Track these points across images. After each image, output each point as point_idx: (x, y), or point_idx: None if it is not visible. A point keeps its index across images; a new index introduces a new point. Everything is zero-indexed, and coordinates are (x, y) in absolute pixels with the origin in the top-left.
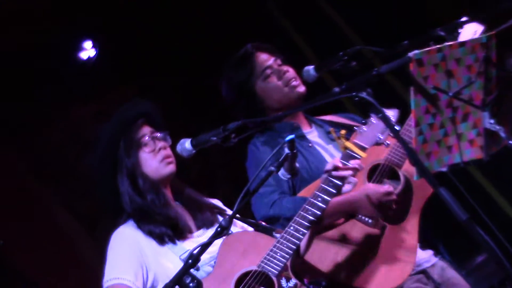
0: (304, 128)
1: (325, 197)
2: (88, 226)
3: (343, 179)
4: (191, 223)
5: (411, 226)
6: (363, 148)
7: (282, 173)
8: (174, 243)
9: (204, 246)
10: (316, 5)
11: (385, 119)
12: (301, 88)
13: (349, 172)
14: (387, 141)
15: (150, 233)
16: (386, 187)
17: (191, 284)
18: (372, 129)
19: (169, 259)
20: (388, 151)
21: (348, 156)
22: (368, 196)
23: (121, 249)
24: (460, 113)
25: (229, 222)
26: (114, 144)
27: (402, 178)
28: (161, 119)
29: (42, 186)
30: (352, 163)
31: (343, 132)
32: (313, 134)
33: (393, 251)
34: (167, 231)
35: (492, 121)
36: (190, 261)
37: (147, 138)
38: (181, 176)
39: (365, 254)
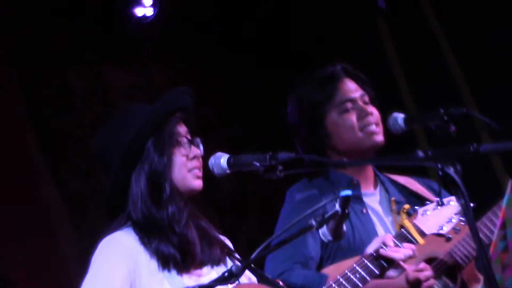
0: (365, 187)
1: (365, 275)
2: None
3: (390, 261)
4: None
5: None
6: (422, 234)
7: (323, 232)
8: (177, 272)
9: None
10: (434, 41)
11: (467, 210)
12: (379, 138)
13: (400, 256)
14: (449, 234)
15: (155, 252)
16: None
17: None
18: (440, 214)
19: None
20: (452, 246)
21: (402, 237)
22: None
23: (111, 260)
24: None
25: (241, 271)
26: (145, 134)
27: (458, 282)
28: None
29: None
30: (406, 246)
31: (406, 206)
32: (373, 198)
33: None
34: (176, 255)
35: None
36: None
37: (184, 139)
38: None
39: None
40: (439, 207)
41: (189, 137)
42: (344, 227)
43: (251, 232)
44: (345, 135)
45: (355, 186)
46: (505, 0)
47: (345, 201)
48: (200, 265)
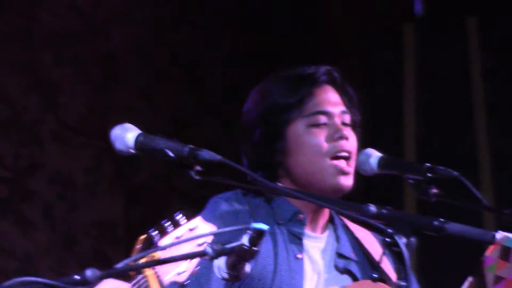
0: (311, 227)
1: None
2: None
3: None
4: None
5: None
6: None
7: (218, 266)
8: None
9: None
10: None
11: None
12: (346, 181)
13: None
14: None
15: None
16: None
17: None
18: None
19: None
20: None
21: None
22: None
23: None
24: None
25: (97, 279)
26: None
27: None
28: None
29: None
30: None
31: None
32: (316, 244)
33: None
34: None
35: None
36: None
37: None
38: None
39: None
40: None
41: None
42: (248, 268)
43: None
44: (306, 156)
45: (299, 223)
46: None
47: (257, 235)
48: None
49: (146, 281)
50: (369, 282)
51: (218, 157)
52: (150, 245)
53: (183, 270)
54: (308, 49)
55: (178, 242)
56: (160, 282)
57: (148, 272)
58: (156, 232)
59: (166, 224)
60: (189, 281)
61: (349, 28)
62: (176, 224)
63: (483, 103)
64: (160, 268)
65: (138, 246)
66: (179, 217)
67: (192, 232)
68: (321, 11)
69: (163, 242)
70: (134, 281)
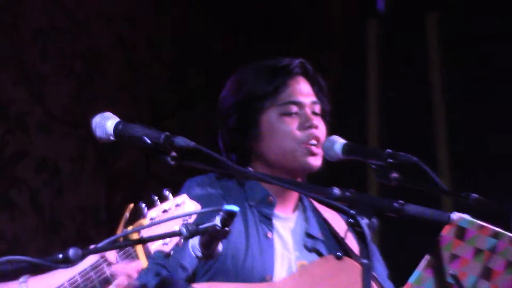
0: (281, 208)
1: None
2: None
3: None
4: None
5: None
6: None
7: (193, 245)
8: None
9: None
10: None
11: (367, 270)
12: (314, 162)
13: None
14: None
15: None
16: None
17: None
18: None
19: None
20: None
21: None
22: None
23: None
24: None
25: (79, 258)
26: None
27: None
28: None
29: None
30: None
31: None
32: (286, 224)
33: None
34: None
35: None
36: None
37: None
38: None
39: None
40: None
41: None
42: (220, 247)
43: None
44: (278, 141)
45: (269, 204)
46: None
47: (229, 216)
48: None
49: (134, 250)
50: (333, 258)
51: (192, 143)
52: (138, 215)
53: (169, 240)
54: (278, 47)
55: (161, 221)
56: (147, 251)
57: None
58: (144, 205)
59: (155, 199)
60: (172, 251)
61: (317, 25)
62: (152, 205)
63: (442, 98)
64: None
65: (126, 213)
66: (165, 194)
67: (179, 208)
68: (286, 11)
69: (151, 213)
70: (123, 250)
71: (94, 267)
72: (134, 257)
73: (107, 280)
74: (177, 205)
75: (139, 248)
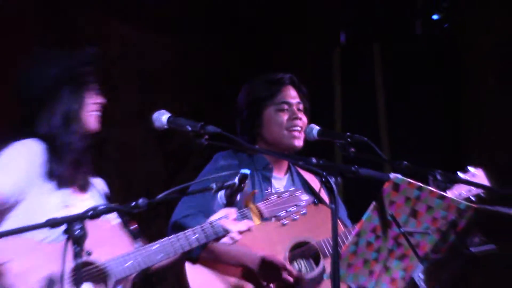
0: (276, 172)
1: (201, 237)
2: None
3: (227, 231)
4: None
5: None
6: (261, 215)
7: (220, 196)
8: (62, 187)
9: (103, 211)
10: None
11: (335, 214)
12: (298, 142)
13: (236, 228)
14: (286, 220)
15: (55, 166)
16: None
17: (77, 232)
18: (280, 199)
19: (52, 197)
20: (327, 238)
21: (243, 214)
22: (259, 268)
23: (21, 160)
24: (400, 250)
25: (146, 206)
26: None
27: (320, 267)
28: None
29: None
30: (245, 223)
31: (254, 192)
32: (280, 182)
33: None
34: (70, 176)
35: (422, 276)
36: (91, 212)
37: (94, 88)
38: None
39: None
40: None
41: (97, 86)
42: (238, 197)
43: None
44: (274, 128)
45: (269, 169)
46: None
47: (243, 177)
48: (80, 188)
49: (249, 212)
50: (311, 205)
51: (218, 129)
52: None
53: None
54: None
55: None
56: (259, 214)
57: (251, 205)
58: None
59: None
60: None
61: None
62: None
63: (384, 107)
64: (261, 203)
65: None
66: None
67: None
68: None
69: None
70: (240, 211)
71: (211, 223)
72: (250, 218)
73: (225, 231)
74: None
75: (254, 210)
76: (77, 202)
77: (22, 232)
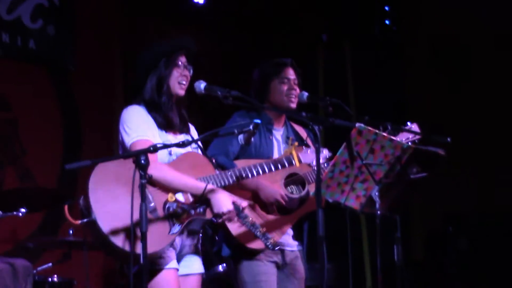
0: (276, 125)
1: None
2: None
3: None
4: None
5: (291, 220)
6: (300, 161)
7: (240, 138)
8: (165, 131)
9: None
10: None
11: (318, 150)
12: (292, 105)
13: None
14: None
15: (154, 118)
16: (281, 192)
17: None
18: (312, 153)
19: (157, 138)
20: (310, 171)
21: (288, 160)
22: (263, 191)
23: (140, 118)
24: (362, 176)
25: (190, 143)
26: (161, 56)
27: (305, 190)
28: (194, 60)
29: None
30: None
31: (296, 143)
32: (278, 133)
33: (272, 225)
34: (164, 122)
35: (377, 193)
36: (152, 148)
37: (180, 63)
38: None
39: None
40: (309, 151)
41: (185, 63)
42: (252, 139)
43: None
44: (276, 95)
45: (270, 123)
46: None
47: (256, 125)
48: (176, 131)
49: (293, 157)
50: (302, 147)
51: (237, 92)
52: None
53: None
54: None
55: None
56: (299, 158)
57: (294, 153)
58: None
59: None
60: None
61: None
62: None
63: (352, 82)
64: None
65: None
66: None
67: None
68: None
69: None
70: (281, 157)
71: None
72: (294, 161)
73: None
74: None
75: (295, 157)
76: (173, 140)
77: (111, 160)
